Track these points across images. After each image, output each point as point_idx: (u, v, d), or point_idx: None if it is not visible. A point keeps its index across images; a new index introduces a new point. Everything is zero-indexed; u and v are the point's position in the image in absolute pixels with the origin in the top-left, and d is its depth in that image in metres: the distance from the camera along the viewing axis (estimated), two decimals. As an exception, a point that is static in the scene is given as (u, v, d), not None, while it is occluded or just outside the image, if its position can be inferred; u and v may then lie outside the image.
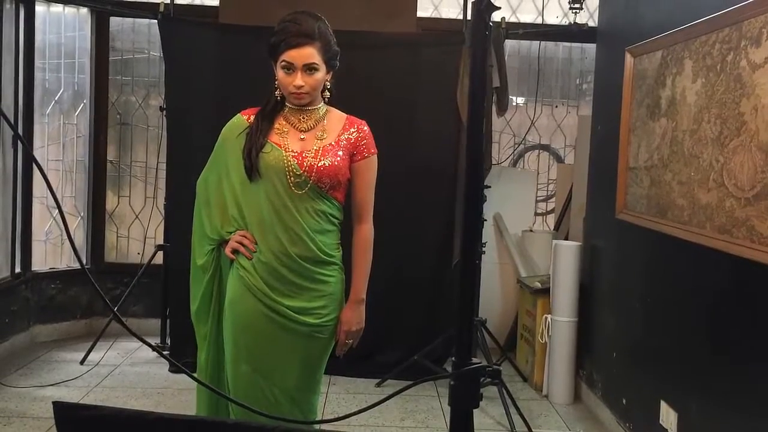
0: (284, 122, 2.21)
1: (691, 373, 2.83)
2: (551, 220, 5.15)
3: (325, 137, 2.20)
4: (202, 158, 2.33)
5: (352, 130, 2.23)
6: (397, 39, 4.33)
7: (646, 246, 3.30)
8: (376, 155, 2.27)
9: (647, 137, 3.25)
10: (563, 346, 3.98)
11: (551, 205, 5.21)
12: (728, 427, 2.57)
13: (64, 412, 1.24)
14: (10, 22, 4.29)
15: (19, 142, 4.28)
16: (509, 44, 4.81)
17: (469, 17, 4.47)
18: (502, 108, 4.33)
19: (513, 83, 4.73)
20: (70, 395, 3.79)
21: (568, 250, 4.00)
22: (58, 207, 1.42)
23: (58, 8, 4.72)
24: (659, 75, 3.15)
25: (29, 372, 4.12)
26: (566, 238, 4.58)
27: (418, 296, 4.33)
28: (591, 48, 4.58)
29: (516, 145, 5.13)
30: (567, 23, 4.63)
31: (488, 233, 4.70)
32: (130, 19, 4.94)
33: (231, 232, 2.19)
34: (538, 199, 5.16)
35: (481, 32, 1.15)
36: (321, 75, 2.15)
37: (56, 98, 4.75)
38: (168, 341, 4.43)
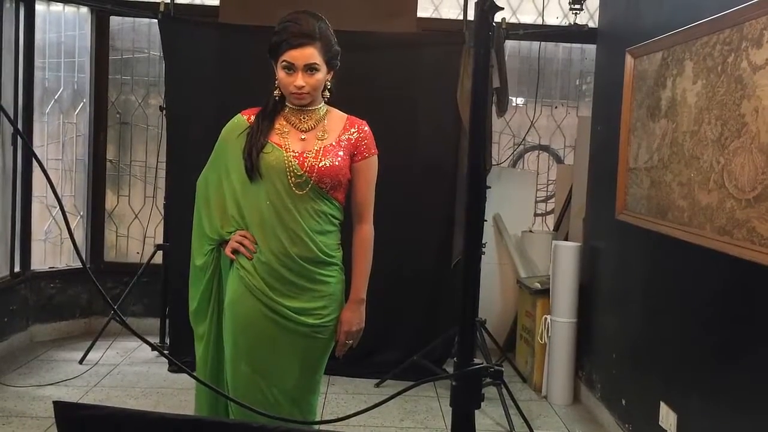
0: (285, 122, 2.21)
1: (691, 375, 2.83)
2: (551, 220, 5.15)
3: (325, 137, 2.19)
4: (202, 158, 2.33)
5: (353, 130, 2.23)
6: (397, 39, 4.33)
7: (646, 247, 3.30)
8: (376, 155, 2.27)
9: (647, 138, 3.24)
10: (563, 347, 3.98)
11: (551, 206, 5.21)
12: (728, 428, 2.57)
13: (64, 411, 1.24)
14: (10, 21, 4.29)
15: (19, 139, 4.28)
16: (509, 45, 4.80)
17: (469, 17, 4.47)
18: (502, 108, 4.33)
19: (513, 84, 4.73)
20: (69, 395, 3.79)
21: (568, 251, 4.00)
22: (59, 204, 1.42)
23: (58, 7, 4.72)
24: (659, 76, 3.15)
25: (28, 371, 4.11)
26: (566, 239, 4.58)
27: (418, 296, 4.33)
28: (591, 49, 4.58)
29: (516, 146, 5.13)
30: (567, 24, 4.63)
31: (488, 234, 4.70)
32: (131, 19, 4.94)
33: (231, 233, 2.18)
34: (537, 199, 5.16)
35: (484, 32, 1.15)
36: (322, 75, 2.15)
37: (56, 97, 4.75)
38: (167, 340, 4.42)
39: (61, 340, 4.70)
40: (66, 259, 4.85)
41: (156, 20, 4.34)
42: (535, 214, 5.15)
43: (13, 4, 4.32)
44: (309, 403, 2.26)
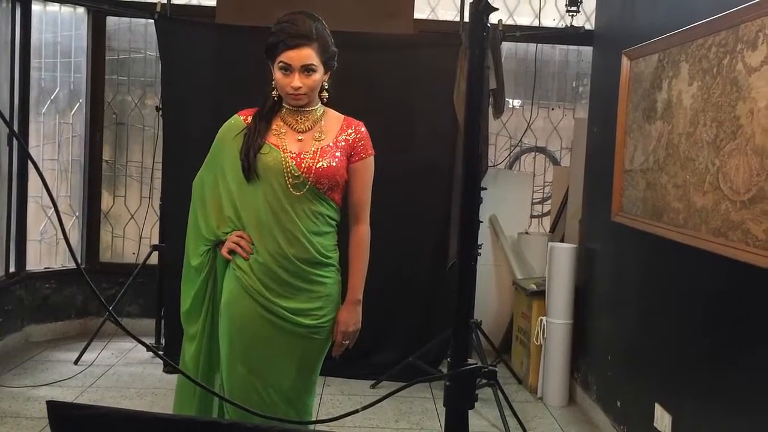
0: (282, 123, 2.21)
1: (686, 376, 2.83)
2: (547, 222, 5.16)
3: (323, 138, 2.19)
4: (198, 158, 2.33)
5: (350, 131, 2.23)
6: (394, 40, 4.33)
7: (642, 249, 3.30)
8: (373, 156, 2.27)
9: (643, 140, 3.25)
10: (558, 349, 3.99)
11: (547, 208, 5.21)
12: (723, 429, 2.57)
13: (57, 411, 1.23)
14: (6, 21, 4.28)
15: (14, 140, 4.27)
16: (506, 47, 4.81)
17: (466, 19, 4.47)
18: (499, 110, 4.33)
19: (509, 85, 4.74)
20: (64, 395, 3.78)
21: (564, 253, 4.00)
22: (54, 206, 1.42)
23: (54, 7, 4.71)
24: (655, 78, 3.15)
25: (23, 372, 4.10)
26: (562, 241, 4.59)
27: (414, 297, 4.33)
28: (587, 51, 4.59)
29: (512, 148, 5.14)
30: (564, 26, 4.64)
31: (484, 235, 4.70)
32: (127, 19, 4.93)
33: (227, 233, 2.18)
34: (533, 201, 5.16)
35: (479, 32, 1.15)
36: (319, 76, 2.15)
37: (52, 97, 4.74)
38: (162, 341, 4.42)
39: (56, 340, 4.69)
40: (61, 260, 4.84)
41: (152, 20, 4.33)
42: (532, 216, 5.15)
43: (9, 4, 4.32)
44: (305, 404, 2.26)
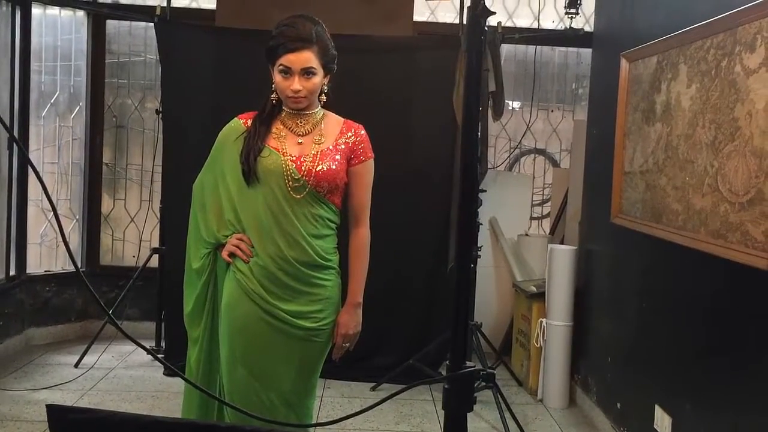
0: (282, 126, 2.21)
1: (686, 378, 2.84)
2: (547, 224, 5.16)
3: (322, 141, 2.20)
4: (198, 161, 2.33)
5: (350, 134, 2.24)
6: (393, 43, 4.34)
7: (641, 250, 3.31)
8: (373, 159, 2.27)
9: (642, 142, 3.25)
10: (558, 351, 3.99)
11: (547, 210, 5.22)
12: (722, 431, 2.57)
13: (57, 415, 1.24)
14: (6, 24, 4.29)
15: (14, 144, 4.27)
16: (505, 49, 4.82)
17: (465, 22, 4.47)
18: (498, 112, 4.34)
19: (509, 87, 4.74)
20: (65, 398, 3.78)
21: (564, 255, 4.00)
22: (54, 210, 1.42)
23: (54, 11, 4.72)
24: (654, 80, 3.16)
25: (23, 375, 4.10)
26: (562, 242, 4.59)
27: (414, 300, 4.33)
28: (587, 53, 4.59)
29: (512, 149, 5.14)
30: (563, 28, 4.65)
31: (484, 237, 4.70)
32: (127, 22, 4.94)
33: (227, 236, 2.18)
34: (533, 203, 5.17)
35: (477, 36, 1.16)
36: (318, 79, 2.15)
37: (52, 101, 4.75)
38: (163, 344, 4.42)
39: (56, 343, 4.69)
40: (62, 263, 4.84)
41: (152, 24, 4.33)
42: (531, 218, 5.16)
43: (9, 8, 4.33)
44: (305, 407, 2.26)
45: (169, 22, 4.32)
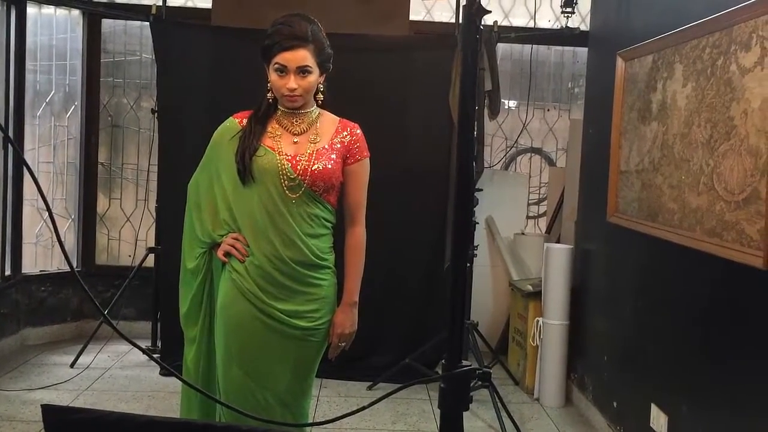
0: (277, 125, 2.20)
1: (682, 376, 2.84)
2: (543, 223, 5.16)
3: (318, 140, 2.19)
4: (194, 161, 2.32)
5: (345, 133, 2.23)
6: (390, 42, 4.34)
7: (637, 249, 3.31)
8: (368, 158, 2.27)
9: (638, 141, 3.26)
10: (555, 350, 3.99)
11: (543, 209, 5.22)
12: (718, 429, 2.58)
13: (52, 415, 1.23)
14: (1, 24, 4.28)
15: (9, 144, 4.26)
16: (501, 48, 4.82)
17: (461, 21, 4.47)
18: (494, 111, 4.33)
19: (505, 87, 4.75)
20: (60, 398, 3.77)
21: (560, 254, 4.00)
22: (48, 210, 1.42)
23: (49, 10, 4.71)
24: (650, 79, 3.16)
25: (19, 375, 4.09)
26: (558, 242, 4.59)
27: (410, 299, 4.33)
28: (583, 52, 4.60)
29: (508, 149, 5.14)
30: (559, 27, 4.65)
31: (480, 236, 4.70)
32: (122, 21, 4.93)
33: (222, 236, 2.18)
34: (529, 202, 5.17)
35: (472, 35, 1.16)
36: (314, 78, 2.15)
37: (47, 100, 4.73)
38: (159, 344, 4.41)
39: (52, 343, 4.68)
40: (57, 263, 4.83)
41: (148, 23, 4.32)
42: (528, 217, 5.16)
43: (4, 7, 4.31)
44: (301, 407, 2.25)
45: (164, 21, 4.32)
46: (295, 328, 2.16)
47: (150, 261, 4.48)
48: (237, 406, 1.95)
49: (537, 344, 4.07)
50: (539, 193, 5.23)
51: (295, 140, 2.19)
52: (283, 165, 2.13)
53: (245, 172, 2.14)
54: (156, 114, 4.42)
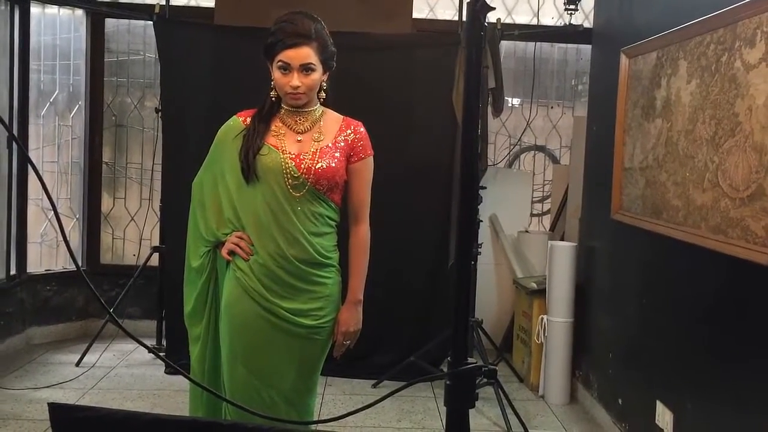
0: (281, 124, 2.20)
1: (687, 374, 2.84)
2: (547, 220, 5.16)
3: (322, 139, 2.19)
4: (198, 160, 2.33)
5: (349, 131, 2.23)
6: (392, 40, 4.33)
7: (642, 246, 3.31)
8: (372, 156, 2.27)
9: (642, 138, 3.25)
10: (559, 347, 3.99)
11: (547, 206, 5.21)
12: (724, 426, 2.57)
13: (59, 413, 1.24)
14: (5, 24, 4.29)
15: (14, 143, 4.27)
16: (505, 45, 4.81)
17: (464, 18, 4.47)
18: (498, 109, 4.33)
19: (508, 84, 4.73)
20: (66, 397, 3.78)
21: (564, 251, 4.00)
22: (54, 209, 1.42)
23: (53, 10, 4.71)
24: (654, 76, 3.15)
25: (25, 374, 4.11)
26: (562, 239, 4.59)
27: (415, 297, 4.33)
28: (586, 49, 4.59)
29: (512, 146, 5.14)
30: (562, 24, 4.64)
31: (484, 234, 4.70)
32: (126, 21, 4.93)
33: (227, 234, 2.18)
34: (533, 200, 5.17)
35: (477, 33, 1.15)
36: (317, 75, 2.15)
37: (51, 100, 4.74)
38: (164, 342, 4.42)
39: (57, 342, 4.69)
40: (62, 262, 4.84)
41: (151, 22, 4.33)
42: (532, 215, 5.16)
43: (8, 7, 4.32)
44: (306, 405, 2.26)
45: (168, 20, 4.32)
46: (300, 326, 2.16)
47: (155, 260, 4.49)
48: (242, 403, 1.96)
49: (542, 341, 4.07)
50: (543, 191, 5.23)
51: (299, 139, 2.19)
52: (287, 163, 2.14)
53: (249, 171, 2.14)
54: (160, 113, 4.43)
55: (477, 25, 1.17)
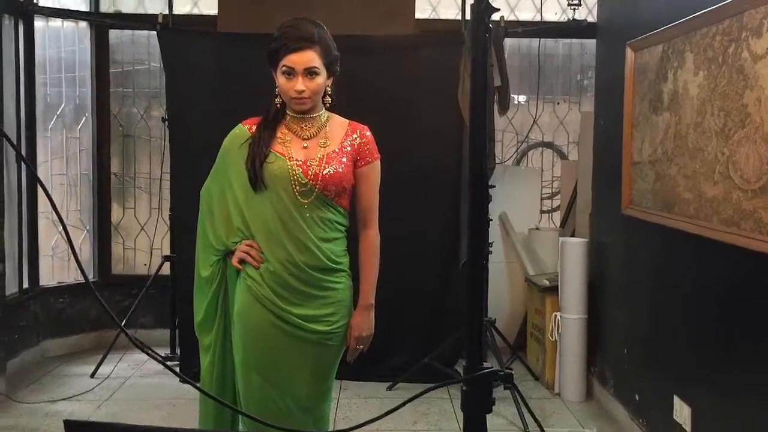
0: (286, 131, 2.20)
1: (703, 367, 2.81)
2: (557, 217, 5.13)
3: (328, 144, 2.19)
4: (206, 168, 2.33)
5: (355, 135, 2.23)
6: (395, 41, 4.32)
7: (654, 241, 3.28)
8: (378, 160, 2.26)
9: (650, 132, 3.23)
10: (574, 344, 3.97)
11: (556, 203, 5.19)
12: (743, 420, 2.55)
13: (74, 429, 1.23)
14: (10, 38, 4.30)
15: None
16: (509, 42, 4.79)
17: (467, 17, 4.45)
18: (504, 107, 4.31)
19: (514, 81, 4.71)
20: (82, 409, 3.79)
21: (575, 247, 3.98)
22: (62, 224, 1.42)
23: (57, 22, 4.73)
24: (660, 69, 3.13)
25: (40, 387, 4.12)
26: (573, 235, 4.57)
27: (426, 298, 4.32)
28: (591, 44, 4.56)
29: (519, 144, 5.12)
30: (566, 20, 4.62)
31: (494, 233, 4.68)
32: (129, 31, 4.95)
33: (236, 243, 2.18)
34: (543, 196, 5.15)
35: (481, 34, 1.15)
36: (322, 79, 2.14)
37: (58, 112, 4.76)
38: (177, 351, 4.43)
39: (72, 354, 4.71)
40: (74, 274, 4.85)
41: (155, 32, 4.34)
42: (541, 212, 5.13)
43: (12, 21, 4.33)
44: (321, 411, 2.25)
45: (171, 29, 4.33)
46: (313, 332, 2.16)
47: (166, 269, 4.50)
48: (258, 413, 1.95)
49: (555, 339, 4.05)
50: (552, 188, 5.20)
51: (305, 145, 2.18)
52: (294, 170, 2.13)
53: (256, 179, 2.13)
54: (166, 122, 4.44)
55: (482, 27, 1.16)
